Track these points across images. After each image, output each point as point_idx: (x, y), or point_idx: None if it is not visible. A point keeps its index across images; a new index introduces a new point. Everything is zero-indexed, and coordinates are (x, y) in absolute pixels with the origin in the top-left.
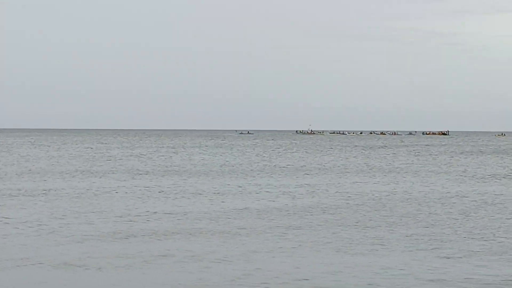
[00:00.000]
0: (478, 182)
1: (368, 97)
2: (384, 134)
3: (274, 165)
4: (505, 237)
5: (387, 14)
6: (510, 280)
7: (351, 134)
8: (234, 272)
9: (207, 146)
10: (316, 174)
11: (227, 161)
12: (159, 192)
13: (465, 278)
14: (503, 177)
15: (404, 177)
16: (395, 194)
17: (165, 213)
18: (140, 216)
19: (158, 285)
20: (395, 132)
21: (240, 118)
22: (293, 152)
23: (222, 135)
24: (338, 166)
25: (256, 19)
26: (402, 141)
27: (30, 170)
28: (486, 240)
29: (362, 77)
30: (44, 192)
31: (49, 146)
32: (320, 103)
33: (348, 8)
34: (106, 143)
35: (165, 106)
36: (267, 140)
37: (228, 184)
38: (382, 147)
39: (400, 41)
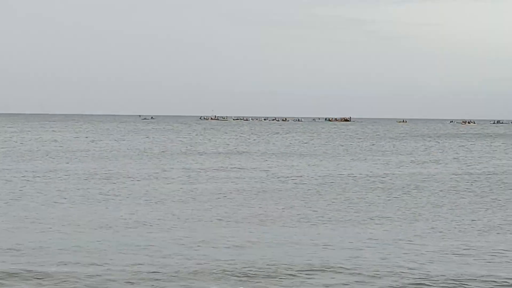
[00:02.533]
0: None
1: (275, 83)
2: (287, 120)
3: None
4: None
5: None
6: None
7: (255, 120)
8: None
9: (126, 131)
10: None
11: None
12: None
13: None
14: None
15: (324, 161)
16: (325, 177)
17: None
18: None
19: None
20: (298, 119)
21: (138, 103)
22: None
23: (126, 120)
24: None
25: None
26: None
27: None
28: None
29: (273, 63)
30: None
31: None
32: (222, 88)
33: None
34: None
35: (59, 90)
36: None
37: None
38: (298, 132)
39: (315, 28)
